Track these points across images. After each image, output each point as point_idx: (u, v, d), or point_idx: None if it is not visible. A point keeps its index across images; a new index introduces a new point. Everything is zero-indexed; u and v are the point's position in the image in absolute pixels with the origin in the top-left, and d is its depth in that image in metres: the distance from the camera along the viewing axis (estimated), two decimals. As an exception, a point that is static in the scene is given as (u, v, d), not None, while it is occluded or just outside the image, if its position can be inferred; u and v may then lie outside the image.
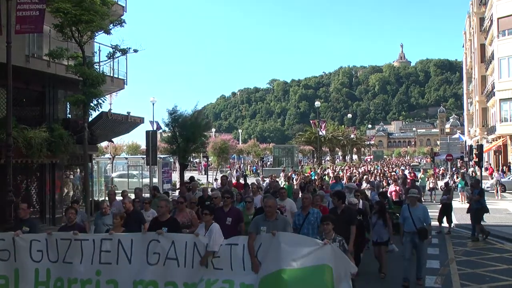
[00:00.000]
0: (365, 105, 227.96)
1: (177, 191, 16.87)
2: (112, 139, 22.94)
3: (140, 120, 20.16)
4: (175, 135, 19.93)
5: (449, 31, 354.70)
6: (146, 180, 26.35)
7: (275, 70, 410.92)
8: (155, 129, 29.30)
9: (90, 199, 15.94)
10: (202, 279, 6.52)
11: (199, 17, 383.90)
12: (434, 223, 13.27)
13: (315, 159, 54.37)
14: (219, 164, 41.06)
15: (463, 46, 68.77)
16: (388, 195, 15.56)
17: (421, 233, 9.18)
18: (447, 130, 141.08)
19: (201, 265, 6.58)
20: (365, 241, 10.15)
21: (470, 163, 31.20)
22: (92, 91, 13.56)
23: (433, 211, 16.41)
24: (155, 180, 25.54)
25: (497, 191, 26.50)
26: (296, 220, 8.64)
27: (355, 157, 79.84)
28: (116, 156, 34.97)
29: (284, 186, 15.19)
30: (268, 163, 62.22)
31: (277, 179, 21.98)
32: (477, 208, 14.43)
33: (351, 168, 35.77)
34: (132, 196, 11.80)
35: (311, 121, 63.69)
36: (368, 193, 14.75)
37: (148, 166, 21.64)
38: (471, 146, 35.52)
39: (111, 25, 14.84)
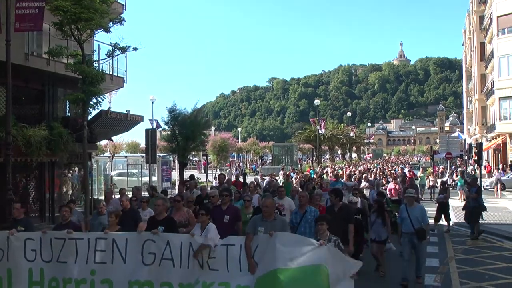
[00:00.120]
0: (365, 103, 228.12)
1: (177, 189, 16.86)
2: (112, 138, 22.89)
3: (140, 119, 20.14)
4: (175, 134, 19.90)
5: (449, 29, 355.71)
6: (146, 179, 26.40)
7: (275, 69, 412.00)
8: (154, 127, 29.22)
9: (90, 197, 15.91)
10: (198, 280, 6.45)
11: (199, 17, 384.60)
12: (431, 221, 13.26)
13: (315, 158, 54.37)
14: (218, 162, 41.03)
15: (462, 45, 68.72)
16: (387, 192, 15.58)
17: (419, 234, 9.15)
18: (447, 129, 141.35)
19: (195, 258, 6.48)
20: (364, 241, 10.15)
21: (470, 161, 31.13)
22: (91, 89, 13.51)
23: (433, 210, 16.42)
24: (154, 178, 25.57)
25: (497, 190, 26.49)
26: (293, 219, 8.60)
27: (354, 155, 79.84)
28: (115, 155, 34.94)
29: (283, 184, 15.13)
30: (268, 161, 62.34)
31: (276, 178, 21.99)
32: (474, 206, 14.46)
33: (351, 166, 35.75)
34: (130, 194, 11.76)
35: (310, 120, 63.54)
36: (367, 192, 14.77)
37: (148, 165, 21.67)
38: (470, 145, 35.42)
39: (111, 23, 14.77)
